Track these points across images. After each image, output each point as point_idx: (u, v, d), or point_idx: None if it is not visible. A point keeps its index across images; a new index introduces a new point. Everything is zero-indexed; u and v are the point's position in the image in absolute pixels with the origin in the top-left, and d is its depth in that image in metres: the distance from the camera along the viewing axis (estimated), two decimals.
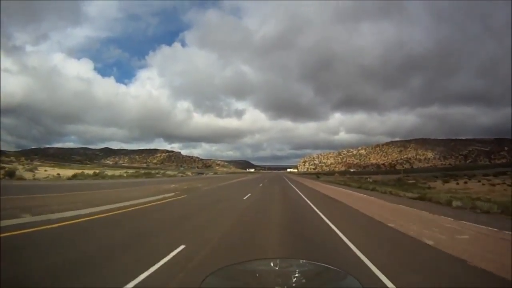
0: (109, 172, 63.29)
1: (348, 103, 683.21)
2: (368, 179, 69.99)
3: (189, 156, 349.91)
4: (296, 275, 1.75)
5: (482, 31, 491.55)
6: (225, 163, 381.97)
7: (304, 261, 2.19)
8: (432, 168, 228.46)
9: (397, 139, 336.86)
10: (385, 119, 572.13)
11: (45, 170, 54.72)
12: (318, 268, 2.05)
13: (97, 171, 57.57)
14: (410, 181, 62.56)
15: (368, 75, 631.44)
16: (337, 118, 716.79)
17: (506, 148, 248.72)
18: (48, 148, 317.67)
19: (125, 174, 64.59)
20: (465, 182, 54.94)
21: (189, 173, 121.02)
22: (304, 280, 1.71)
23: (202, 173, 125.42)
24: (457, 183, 53.07)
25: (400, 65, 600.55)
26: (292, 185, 35.90)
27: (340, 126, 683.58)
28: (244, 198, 17.93)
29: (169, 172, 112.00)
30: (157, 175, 75.03)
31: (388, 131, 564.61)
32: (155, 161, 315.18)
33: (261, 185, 35.30)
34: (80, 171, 55.41)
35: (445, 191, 31.39)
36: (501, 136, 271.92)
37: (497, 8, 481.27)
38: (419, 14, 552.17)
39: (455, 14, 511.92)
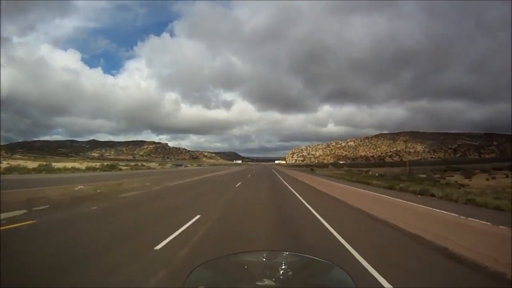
0: (61, 165, 51.74)
1: (337, 96, 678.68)
2: (371, 173, 59.73)
3: (176, 148, 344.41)
4: (284, 267, 1.75)
5: (474, 28, 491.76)
6: (213, 155, 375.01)
7: (291, 253, 2.18)
8: (423, 161, 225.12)
9: (385, 132, 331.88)
10: (374, 111, 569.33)
11: (8, 163, 46.16)
12: (306, 260, 2.03)
13: (44, 163, 47.36)
14: (421, 176, 52.86)
15: (358, 68, 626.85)
16: (325, 110, 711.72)
17: (495, 143, 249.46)
18: (35, 141, 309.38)
19: (82, 167, 53.19)
20: (494, 178, 45.21)
21: (169, 165, 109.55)
22: (291, 272, 1.71)
23: (181, 165, 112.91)
24: (487, 179, 43.18)
25: (391, 59, 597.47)
26: (289, 186, 24.19)
27: (329, 118, 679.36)
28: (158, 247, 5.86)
29: (151, 164, 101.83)
30: (123, 168, 63.98)
31: (376, 124, 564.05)
32: (141, 153, 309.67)
33: (239, 184, 23.59)
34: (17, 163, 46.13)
35: (490, 190, 21.82)
36: (490, 131, 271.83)
37: (491, 5, 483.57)
38: (412, 8, 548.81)
39: (448, 10, 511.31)
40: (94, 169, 51.44)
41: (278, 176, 38.71)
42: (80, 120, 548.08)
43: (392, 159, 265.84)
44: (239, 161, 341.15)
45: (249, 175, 37.20)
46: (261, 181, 29.22)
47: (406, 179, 41.23)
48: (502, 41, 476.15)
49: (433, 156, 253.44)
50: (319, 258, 1.84)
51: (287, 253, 2.16)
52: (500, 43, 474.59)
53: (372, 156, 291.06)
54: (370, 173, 60.66)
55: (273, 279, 1.46)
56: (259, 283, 1.42)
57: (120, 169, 56.49)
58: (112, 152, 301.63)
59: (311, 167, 79.57)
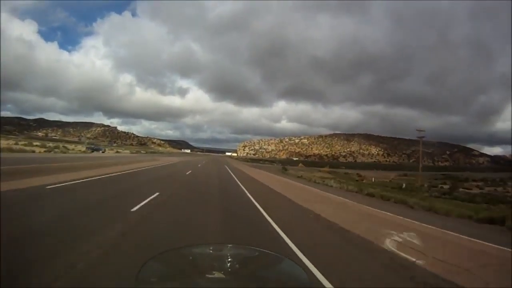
0: None
1: (294, 92, 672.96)
2: (374, 180, 38.20)
3: (124, 132, 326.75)
4: (233, 259, 1.77)
5: (438, 42, 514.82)
6: (162, 142, 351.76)
7: (241, 246, 2.27)
8: (377, 164, 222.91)
9: (338, 132, 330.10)
10: (329, 112, 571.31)
11: None
12: (255, 253, 2.03)
13: None
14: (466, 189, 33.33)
15: (318, 67, 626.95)
16: (281, 106, 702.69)
17: (448, 152, 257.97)
18: None
19: None
20: None
21: (82, 148, 79.95)
22: (241, 264, 1.73)
23: (98, 150, 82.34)
24: None
25: (352, 62, 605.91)
26: None
27: (283, 115, 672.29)
28: None
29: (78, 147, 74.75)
30: None
31: (330, 124, 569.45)
32: (88, 135, 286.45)
33: None
34: None
35: None
36: (441, 141, 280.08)
37: (456, 21, 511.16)
38: (380, 15, 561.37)
39: (414, 21, 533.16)
40: None
41: (245, 190, 16.02)
42: (30, 97, 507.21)
43: (346, 160, 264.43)
44: (188, 150, 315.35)
45: (176, 186, 14.70)
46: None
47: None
48: (462, 58, 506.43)
49: (388, 160, 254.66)
50: (268, 251, 1.84)
51: (237, 245, 2.22)
52: (459, 60, 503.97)
53: (326, 155, 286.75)
54: (373, 180, 39.88)
55: (222, 271, 1.48)
56: (209, 276, 1.44)
57: None
58: (58, 133, 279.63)
59: (282, 166, 53.37)
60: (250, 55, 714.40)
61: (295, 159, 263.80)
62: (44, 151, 46.04)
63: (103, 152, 75.53)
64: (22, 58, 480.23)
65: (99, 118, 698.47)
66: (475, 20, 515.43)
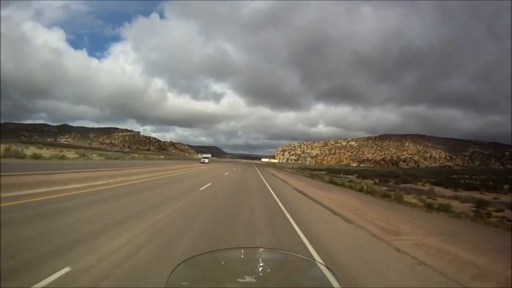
0: None
1: (333, 94, 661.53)
2: None
3: (146, 137, 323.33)
4: (265, 263, 1.78)
5: (485, 34, 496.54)
6: (187, 147, 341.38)
7: (274, 249, 2.26)
8: (448, 170, 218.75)
9: (380, 134, 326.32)
10: (368, 114, 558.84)
11: None
12: (287, 257, 2.05)
13: None
14: None
15: (360, 65, 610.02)
16: (318, 109, 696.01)
17: (506, 153, 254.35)
18: (8, 123, 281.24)
19: None
20: None
21: None
22: (273, 269, 1.75)
23: None
24: None
25: (397, 58, 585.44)
26: None
27: (320, 118, 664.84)
28: None
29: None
30: None
31: (367, 127, 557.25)
32: (107, 140, 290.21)
33: None
34: None
35: None
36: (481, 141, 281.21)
37: (504, 12, 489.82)
38: (426, 7, 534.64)
39: (462, 13, 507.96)
40: None
41: None
42: (62, 105, 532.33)
43: (407, 164, 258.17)
44: (208, 155, 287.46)
45: None
46: None
47: None
48: (509, 51, 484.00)
49: (456, 164, 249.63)
50: (301, 255, 1.89)
51: (269, 249, 2.17)
52: (508, 52, 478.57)
53: (383, 159, 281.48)
54: None
55: (254, 276, 1.49)
56: (240, 280, 1.43)
57: None
58: (76, 138, 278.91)
59: None
60: (288, 54, 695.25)
61: (353, 165, 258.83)
62: None
63: None
64: (51, 65, 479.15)
65: (132, 126, 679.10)
66: None
